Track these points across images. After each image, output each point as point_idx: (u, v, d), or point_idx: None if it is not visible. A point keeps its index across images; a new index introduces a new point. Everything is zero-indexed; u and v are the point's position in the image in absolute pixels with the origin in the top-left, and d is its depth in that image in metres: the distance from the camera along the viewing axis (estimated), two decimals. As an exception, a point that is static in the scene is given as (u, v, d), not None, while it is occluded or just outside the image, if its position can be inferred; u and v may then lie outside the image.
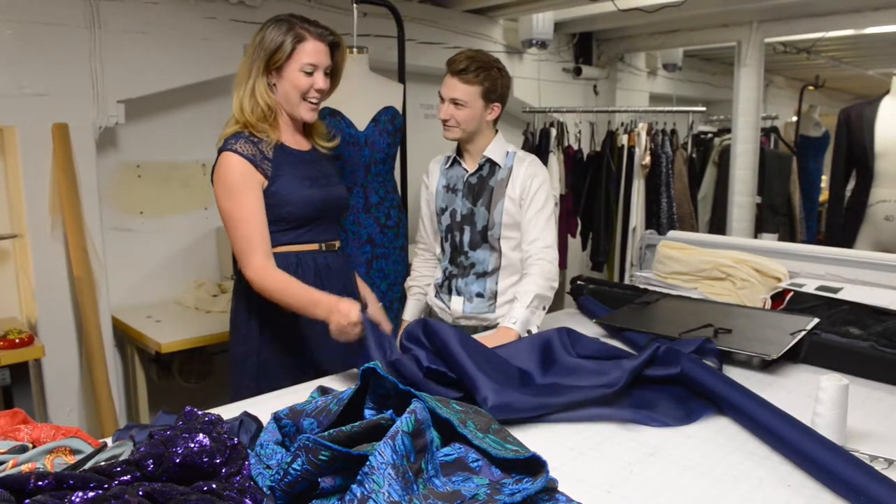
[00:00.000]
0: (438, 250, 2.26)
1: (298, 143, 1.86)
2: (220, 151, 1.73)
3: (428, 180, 2.24)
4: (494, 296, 2.12)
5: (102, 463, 0.95)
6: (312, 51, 1.74)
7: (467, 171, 2.13)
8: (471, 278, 2.12)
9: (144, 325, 2.72)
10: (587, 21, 4.42)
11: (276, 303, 1.71)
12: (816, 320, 1.82)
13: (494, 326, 2.08)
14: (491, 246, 2.11)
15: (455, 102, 2.02)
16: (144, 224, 3.04)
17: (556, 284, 2.05)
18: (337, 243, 1.92)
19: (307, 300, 1.68)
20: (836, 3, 3.66)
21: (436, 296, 2.23)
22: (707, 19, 4.23)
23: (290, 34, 1.72)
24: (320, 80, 1.76)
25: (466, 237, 2.13)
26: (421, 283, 2.30)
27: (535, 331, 1.95)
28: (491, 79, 2.02)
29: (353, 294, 1.95)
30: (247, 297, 1.80)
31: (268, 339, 1.82)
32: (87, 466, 0.97)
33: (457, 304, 2.15)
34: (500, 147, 2.12)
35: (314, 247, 1.84)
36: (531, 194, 2.08)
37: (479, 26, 4.08)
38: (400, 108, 2.74)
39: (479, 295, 2.12)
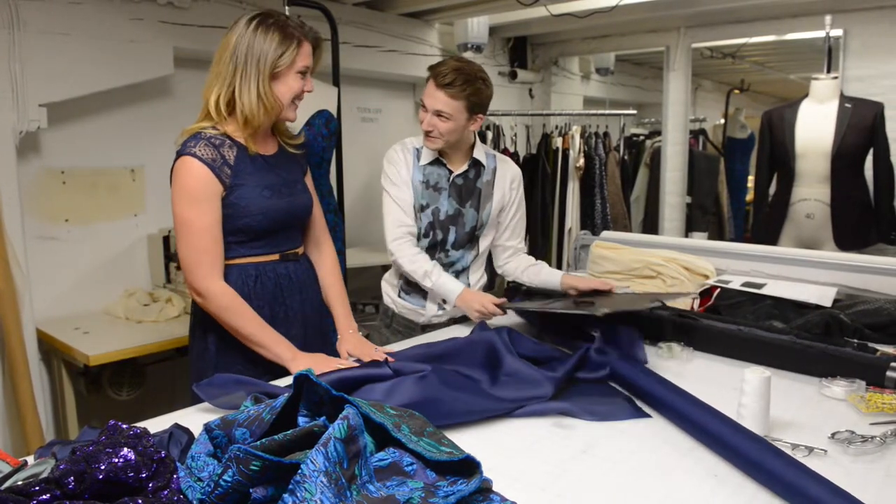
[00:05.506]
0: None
1: (266, 145, 1.77)
2: (178, 154, 1.64)
3: (397, 168, 2.09)
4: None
5: (20, 483, 0.92)
6: (307, 54, 1.70)
7: (452, 172, 2.11)
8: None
9: (72, 337, 2.62)
10: (521, 26, 4.48)
11: (220, 322, 1.65)
12: (658, 304, 1.92)
13: (463, 317, 2.13)
14: (472, 245, 2.16)
15: (439, 114, 1.98)
16: (70, 232, 2.92)
17: None
18: (300, 250, 1.86)
19: (262, 335, 1.64)
20: (758, 10, 3.81)
21: (399, 296, 2.19)
22: (637, 25, 4.35)
23: (292, 39, 1.66)
24: (309, 82, 1.73)
25: (451, 237, 2.12)
26: (431, 264, 2.08)
27: None
28: (477, 92, 1.98)
29: (318, 307, 1.90)
30: (203, 310, 1.71)
31: (224, 354, 1.73)
32: (3, 487, 0.93)
33: (432, 306, 2.15)
34: (481, 149, 2.16)
35: (274, 257, 1.77)
36: (516, 198, 2.19)
37: (414, 30, 4.09)
38: (335, 112, 2.73)
39: None
